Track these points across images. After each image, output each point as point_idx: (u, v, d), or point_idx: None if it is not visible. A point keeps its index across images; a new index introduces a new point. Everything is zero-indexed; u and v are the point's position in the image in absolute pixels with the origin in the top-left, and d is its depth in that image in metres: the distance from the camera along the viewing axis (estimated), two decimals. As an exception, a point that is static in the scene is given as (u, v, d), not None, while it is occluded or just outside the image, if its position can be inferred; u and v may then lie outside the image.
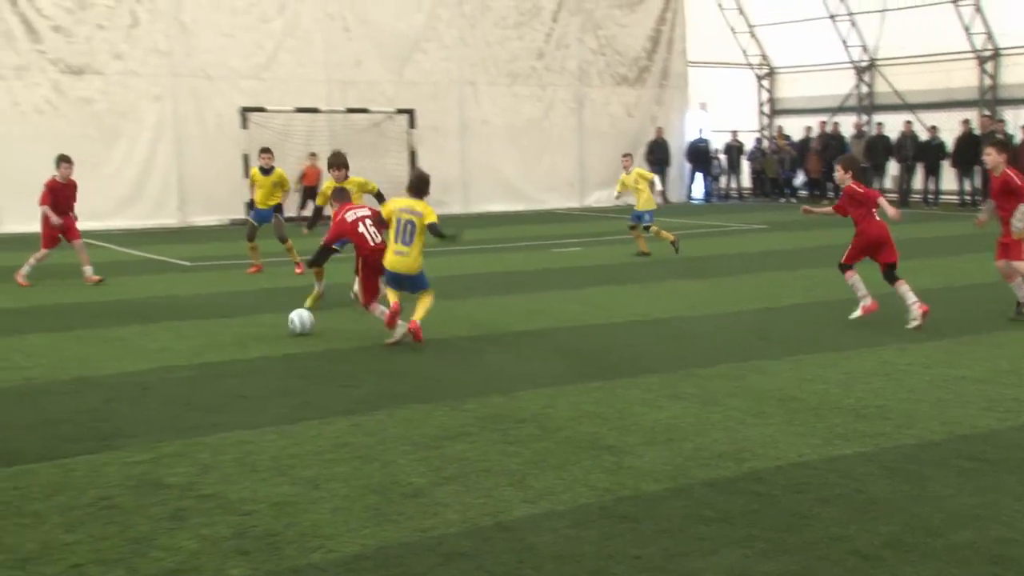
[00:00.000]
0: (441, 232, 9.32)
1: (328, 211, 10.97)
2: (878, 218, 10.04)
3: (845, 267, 10.17)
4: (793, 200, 28.03)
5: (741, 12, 31.18)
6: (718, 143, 30.47)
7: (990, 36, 26.20)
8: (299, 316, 9.82)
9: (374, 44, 25.10)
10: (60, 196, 13.75)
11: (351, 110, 24.55)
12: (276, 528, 4.87)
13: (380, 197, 11.34)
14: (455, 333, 9.82)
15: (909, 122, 26.58)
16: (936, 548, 4.54)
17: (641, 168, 17.34)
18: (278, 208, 14.78)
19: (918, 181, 26.63)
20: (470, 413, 6.87)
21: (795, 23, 29.75)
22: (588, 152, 27.81)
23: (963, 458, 5.78)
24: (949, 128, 25.57)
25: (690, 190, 30.38)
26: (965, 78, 26.77)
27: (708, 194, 30.46)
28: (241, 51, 23.68)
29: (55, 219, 13.55)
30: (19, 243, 14.30)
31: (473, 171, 26.52)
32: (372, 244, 9.54)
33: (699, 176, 30.45)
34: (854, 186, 10.10)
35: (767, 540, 4.64)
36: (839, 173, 10.34)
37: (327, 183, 11.53)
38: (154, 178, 23.04)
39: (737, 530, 4.76)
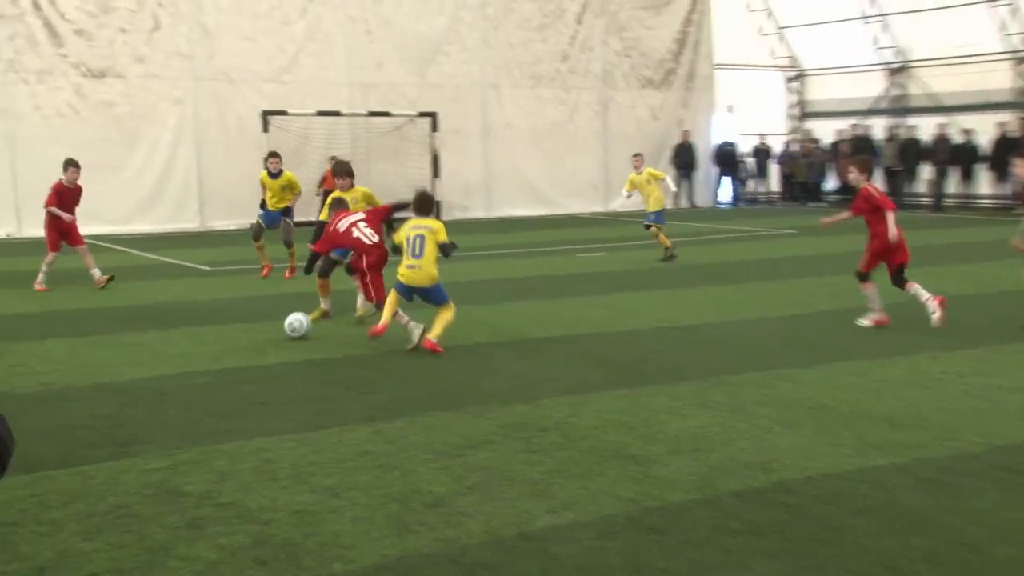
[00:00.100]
0: (450, 253, 9.35)
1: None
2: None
3: (863, 276, 10.13)
4: (824, 204, 27.84)
5: (770, 13, 31.03)
6: (746, 146, 30.35)
7: (1026, 37, 25.94)
8: (296, 319, 9.86)
9: (396, 47, 25.18)
10: (66, 200, 13.80)
11: (373, 113, 24.63)
12: (295, 538, 4.85)
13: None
14: (477, 339, 9.79)
15: (943, 125, 26.34)
16: (975, 564, 4.45)
17: (653, 168, 17.21)
18: (287, 212, 14.83)
19: (952, 185, 26.38)
20: (492, 421, 6.83)
21: (825, 24, 29.56)
22: (613, 156, 27.75)
23: (1001, 470, 5.68)
24: (985, 131, 25.32)
25: (717, 194, 30.26)
26: (1000, 80, 26.49)
27: (736, 198, 30.33)
28: (262, 54, 23.82)
29: (67, 216, 13.62)
30: (40, 247, 14.40)
31: (496, 175, 26.54)
32: (370, 242, 9.56)
33: (726, 180, 30.33)
34: (871, 189, 10.05)
35: (798, 553, 4.58)
36: (854, 174, 10.32)
37: (330, 198, 11.08)
38: (174, 182, 23.21)
39: (767, 542, 4.70)
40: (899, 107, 28.79)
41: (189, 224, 23.17)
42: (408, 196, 10.15)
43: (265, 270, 14.78)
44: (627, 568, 4.45)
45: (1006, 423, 6.65)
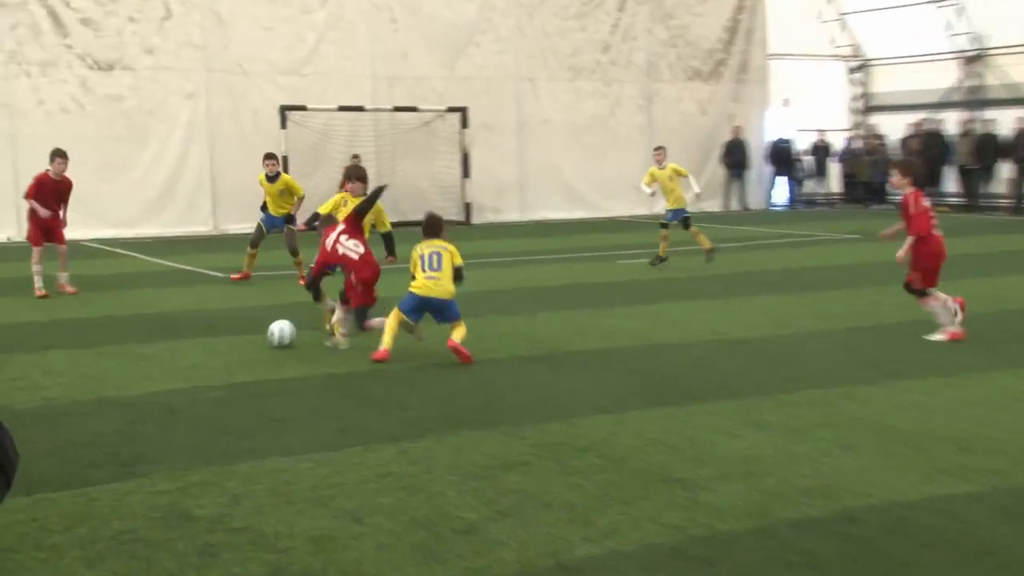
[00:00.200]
0: (462, 277, 9.62)
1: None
2: (936, 232, 10.02)
3: (923, 292, 10.07)
4: (890, 207, 27.58)
5: (829, -2, 30.91)
6: (803, 143, 30.16)
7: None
8: (278, 328, 10.02)
9: (423, 36, 25.28)
10: (48, 193, 13.90)
11: (398, 108, 24.76)
12: (314, 566, 4.86)
13: (388, 239, 10.78)
14: (510, 352, 9.79)
15: (1024, 118, 26.04)
16: (1057, 602, 4.38)
17: (677, 164, 17.10)
18: (290, 219, 14.89)
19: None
20: (527, 441, 6.83)
21: (892, 9, 29.32)
22: (658, 153, 27.64)
23: (1087, 499, 5.59)
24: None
25: (771, 196, 30.10)
26: (1090, 69, 26.14)
27: (792, 200, 30.17)
28: (280, 44, 24.01)
29: (43, 211, 13.75)
30: (47, 251, 14.57)
31: (531, 174, 26.56)
32: (358, 258, 9.80)
33: (781, 180, 30.16)
34: (910, 198, 9.95)
35: (862, 589, 4.53)
36: (896, 178, 10.23)
37: (339, 195, 11.07)
38: (186, 181, 23.42)
39: (827, 577, 4.65)
40: (975, 99, 28.46)
41: (201, 227, 23.37)
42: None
43: (240, 276, 14.84)
44: (673, 603, 4.42)
45: (1093, 447, 6.55)
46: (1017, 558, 4.85)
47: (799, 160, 30.14)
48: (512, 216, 26.22)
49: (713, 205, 28.69)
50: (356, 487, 5.96)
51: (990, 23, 27.63)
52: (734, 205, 28.89)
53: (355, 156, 23.50)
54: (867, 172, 29.15)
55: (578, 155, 26.94)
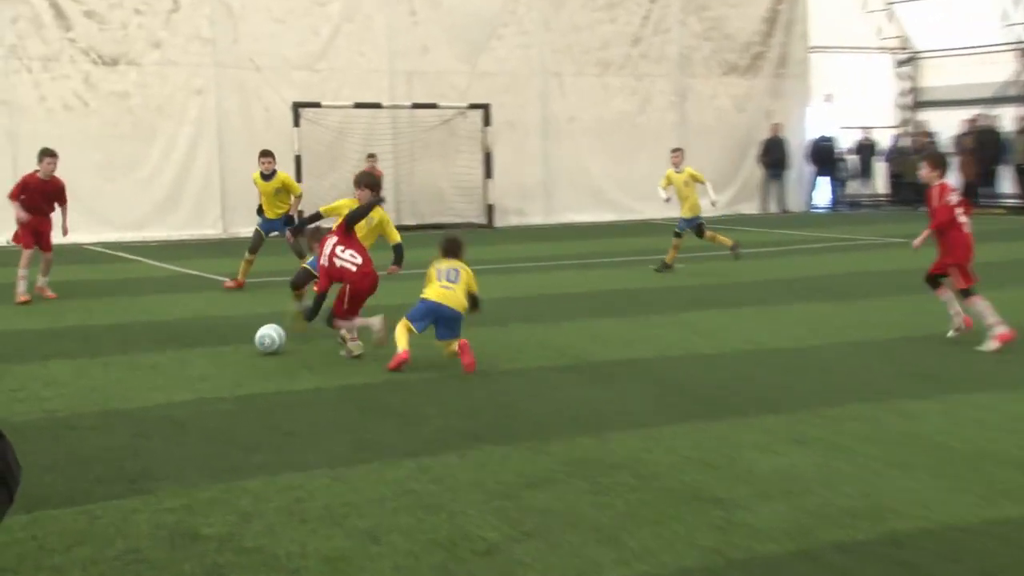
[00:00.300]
0: (479, 305, 9.82)
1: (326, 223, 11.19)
2: (964, 229, 10.21)
3: (966, 292, 10.18)
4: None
5: (875, -13, 30.80)
6: (846, 142, 30.05)
7: None
8: (267, 334, 10.15)
9: (444, 29, 25.37)
10: (37, 195, 14.01)
11: (417, 105, 24.84)
12: (327, 589, 4.86)
13: (398, 250, 10.79)
14: (536, 363, 9.79)
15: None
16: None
17: (694, 169, 17.02)
18: (289, 220, 14.93)
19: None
20: (554, 457, 6.82)
21: (943, -2, 29.20)
22: (691, 152, 27.33)
23: None
24: None
25: (812, 197, 30.00)
26: None
27: (834, 201, 30.08)
28: (293, 38, 24.15)
29: (22, 215, 13.85)
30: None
31: (556, 175, 26.58)
32: (356, 270, 9.89)
33: (823, 180, 30.07)
34: (935, 190, 10.10)
35: (912, 617, 4.49)
36: (925, 171, 10.41)
37: (344, 201, 11.00)
38: (194, 182, 23.57)
39: (875, 604, 4.62)
40: (1032, 94, 28.29)
41: (210, 230, 23.51)
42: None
43: (234, 283, 14.87)
44: (710, 631, 4.40)
45: None
46: (1079, 585, 4.80)
47: (842, 159, 30.03)
48: (537, 219, 26.24)
49: (750, 207, 28.65)
50: (372, 505, 5.96)
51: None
52: (772, 207, 28.81)
53: (371, 156, 23.57)
54: (916, 172, 28.97)
55: (606, 154, 26.95)
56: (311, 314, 10.25)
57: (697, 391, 8.68)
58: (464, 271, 9.77)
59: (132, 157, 22.90)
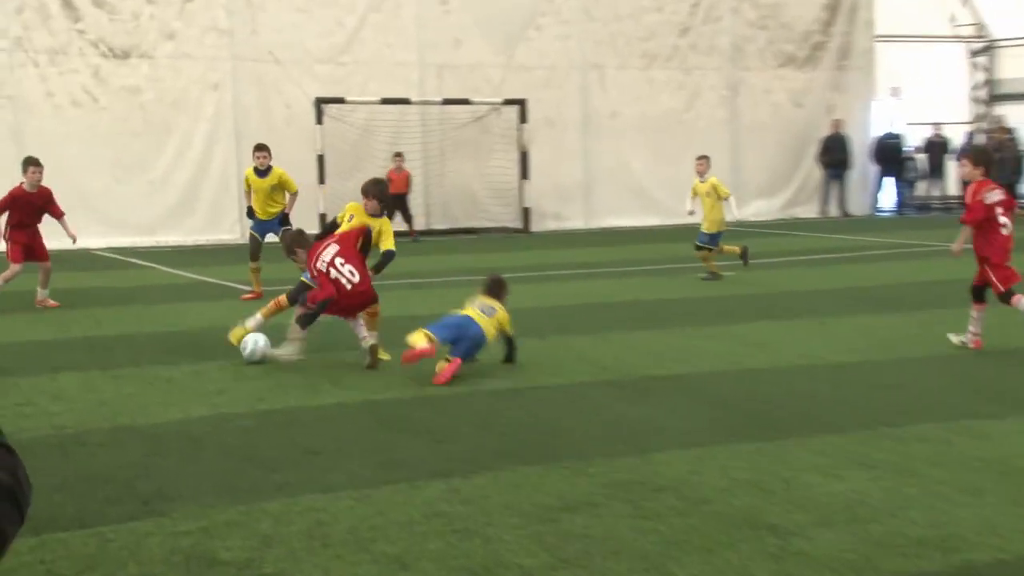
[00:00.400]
0: (513, 347, 10.14)
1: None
2: (1002, 230, 10.39)
3: (1008, 293, 10.23)
4: (1019, 211, 27.16)
5: (947, -29, 30.62)
6: (915, 139, 29.85)
7: None
8: (252, 341, 10.43)
9: (477, 20, 25.41)
10: (23, 208, 14.17)
11: (448, 101, 24.90)
12: (352, 618, 4.90)
13: (385, 255, 10.89)
14: (575, 377, 9.81)
15: None
16: None
17: (719, 181, 16.90)
18: (284, 220, 14.97)
19: None
20: (594, 478, 6.83)
21: (1020, -17, 28.99)
22: (744, 151, 27.56)
23: None
24: None
25: (877, 199, 29.82)
26: None
27: (901, 204, 29.88)
28: (316, 29, 24.28)
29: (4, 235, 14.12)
30: (52, 259, 14.86)
31: (597, 175, 26.57)
32: (351, 288, 10.13)
33: (889, 181, 29.88)
34: (975, 186, 10.03)
35: (983, 654, 4.47)
36: (967, 168, 10.37)
37: (351, 205, 11.06)
38: (210, 183, 23.70)
39: (942, 640, 4.60)
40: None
41: (227, 235, 23.62)
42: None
43: (252, 295, 14.89)
44: (763, 666, 4.40)
45: None
46: None
47: (910, 158, 29.82)
48: (576, 223, 26.24)
49: (808, 211, 28.49)
50: (400, 529, 5.99)
51: None
52: (833, 211, 28.65)
53: (398, 155, 23.70)
54: (992, 171, 28.71)
55: (651, 154, 26.89)
56: (307, 320, 10.45)
57: (748, 408, 8.66)
58: (501, 311, 10.06)
59: (144, 156, 23.06)
